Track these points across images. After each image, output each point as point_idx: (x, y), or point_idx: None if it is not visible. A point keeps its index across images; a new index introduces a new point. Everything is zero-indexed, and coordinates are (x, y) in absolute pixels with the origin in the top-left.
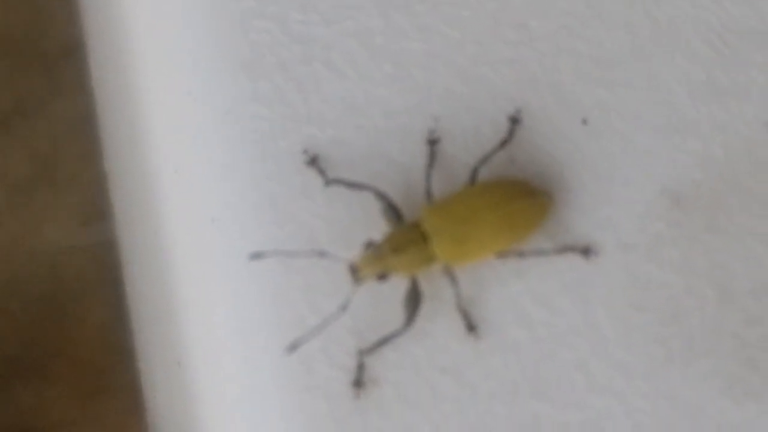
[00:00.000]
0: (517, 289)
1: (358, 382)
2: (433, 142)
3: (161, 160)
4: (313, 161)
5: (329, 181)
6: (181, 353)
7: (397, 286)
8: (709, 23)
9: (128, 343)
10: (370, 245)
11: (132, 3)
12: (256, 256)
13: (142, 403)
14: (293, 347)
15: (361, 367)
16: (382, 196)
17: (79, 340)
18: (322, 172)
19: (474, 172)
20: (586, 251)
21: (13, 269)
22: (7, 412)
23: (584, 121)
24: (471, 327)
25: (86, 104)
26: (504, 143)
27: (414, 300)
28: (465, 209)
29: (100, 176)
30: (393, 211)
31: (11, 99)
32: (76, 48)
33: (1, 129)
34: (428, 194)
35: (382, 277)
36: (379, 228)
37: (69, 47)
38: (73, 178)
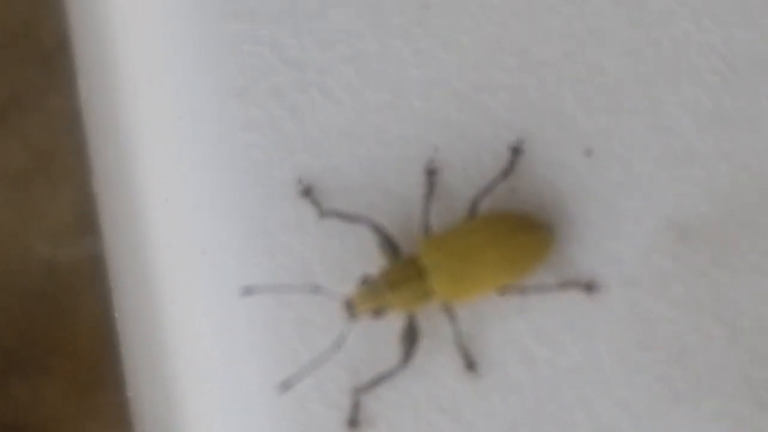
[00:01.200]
0: (518, 325)
1: (354, 422)
2: (431, 173)
3: (151, 188)
4: (308, 192)
5: (324, 213)
6: (171, 384)
7: (394, 322)
8: (715, 48)
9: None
10: (365, 280)
11: (122, 27)
12: (248, 290)
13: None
14: (286, 386)
15: (356, 406)
16: (378, 229)
17: (75, 335)
18: (316, 203)
19: (474, 205)
20: (589, 287)
21: (8, 263)
22: (2, 406)
23: (587, 151)
24: (470, 365)
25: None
26: (505, 174)
27: (411, 337)
28: (464, 244)
29: (96, 170)
30: (389, 245)
31: (8, 92)
32: (73, 42)
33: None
34: (426, 227)
35: (378, 313)
36: (375, 262)
37: (66, 40)
38: (69, 171)
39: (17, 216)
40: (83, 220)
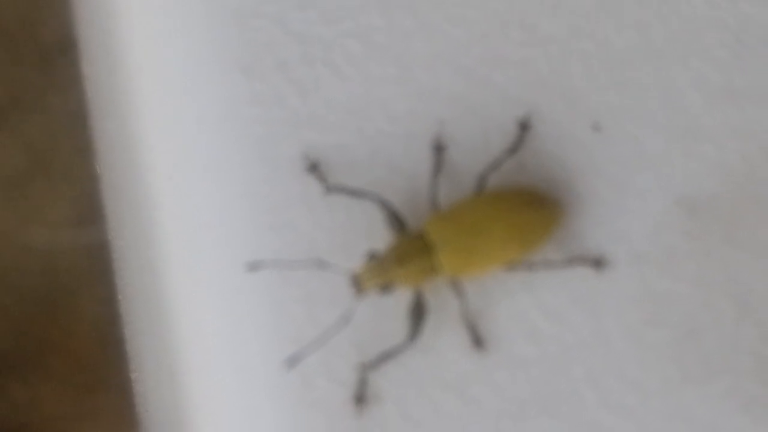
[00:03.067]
0: (526, 302)
1: (360, 398)
2: (439, 148)
3: (155, 164)
4: (314, 167)
5: (330, 189)
6: (174, 361)
7: (401, 298)
8: (725, 24)
9: (123, 338)
10: (372, 256)
11: (126, 5)
12: (253, 266)
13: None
14: (292, 362)
15: (362, 382)
16: (385, 205)
17: (73, 335)
18: (322, 178)
19: (481, 180)
20: (597, 263)
21: (6, 263)
22: (1, 406)
23: (595, 127)
24: (478, 341)
25: (82, 98)
26: (513, 150)
27: (419, 313)
28: (472, 219)
29: (95, 172)
30: (397, 220)
31: (7, 92)
32: (73, 42)
33: None
34: (434, 203)
35: (386, 289)
36: (382, 238)
37: (66, 41)
38: (68, 172)
39: (15, 216)
40: (82, 219)
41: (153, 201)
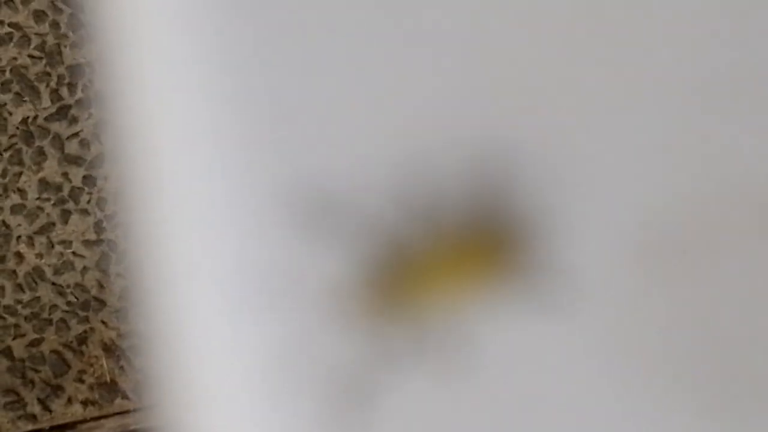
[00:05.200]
0: (498, 331)
1: (354, 395)
2: (408, 185)
3: (148, 173)
4: (306, 202)
5: (312, 223)
6: (167, 352)
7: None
8: (680, 65)
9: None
10: (352, 282)
11: (124, 43)
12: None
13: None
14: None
15: (351, 398)
16: (373, 236)
17: (87, 350)
18: (307, 213)
19: (440, 216)
20: (554, 295)
21: (21, 279)
22: (18, 413)
23: (551, 162)
24: (452, 363)
25: (94, 125)
26: (468, 183)
27: (404, 336)
28: (438, 254)
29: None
30: (375, 251)
31: (19, 122)
32: (84, 69)
33: (13, 153)
34: (419, 235)
35: (376, 310)
36: (361, 268)
37: (76, 69)
38: (79, 198)
39: (30, 244)
40: (95, 241)
41: (149, 207)
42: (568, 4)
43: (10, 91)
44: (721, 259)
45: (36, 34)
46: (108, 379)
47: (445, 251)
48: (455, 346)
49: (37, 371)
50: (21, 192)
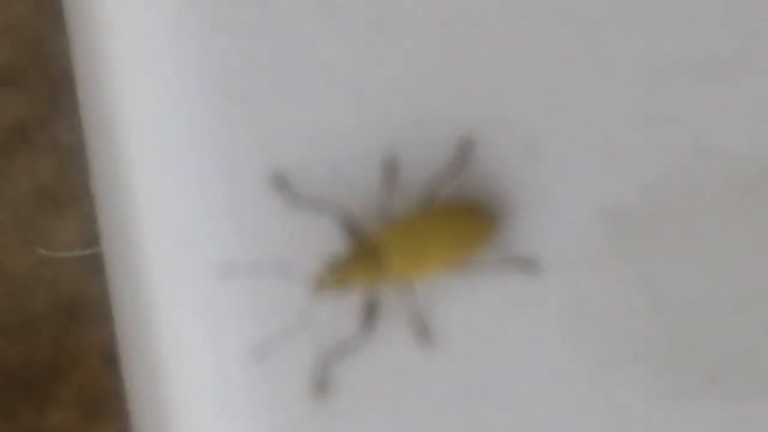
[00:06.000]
0: (466, 302)
1: (321, 388)
2: (389, 168)
3: (138, 181)
4: (282, 182)
5: (297, 202)
6: (156, 360)
7: (357, 298)
8: (642, 55)
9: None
10: (330, 259)
11: (111, 30)
12: (223, 271)
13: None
14: (258, 357)
15: (323, 371)
16: (343, 216)
17: (79, 358)
18: (290, 193)
19: (428, 195)
20: (528, 266)
21: (15, 287)
22: (7, 429)
23: (527, 147)
24: (423, 336)
25: (90, 126)
26: (455, 168)
27: (371, 311)
28: (418, 228)
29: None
30: (353, 230)
31: (12, 122)
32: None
33: (3, 153)
34: (385, 215)
35: (341, 288)
36: (340, 245)
37: (70, 69)
38: (74, 198)
39: (23, 242)
40: (88, 244)
41: (138, 216)
42: None
43: (3, 89)
44: (689, 240)
45: (32, 30)
46: (102, 387)
47: (416, 225)
48: (425, 317)
49: (29, 378)
50: (14, 193)
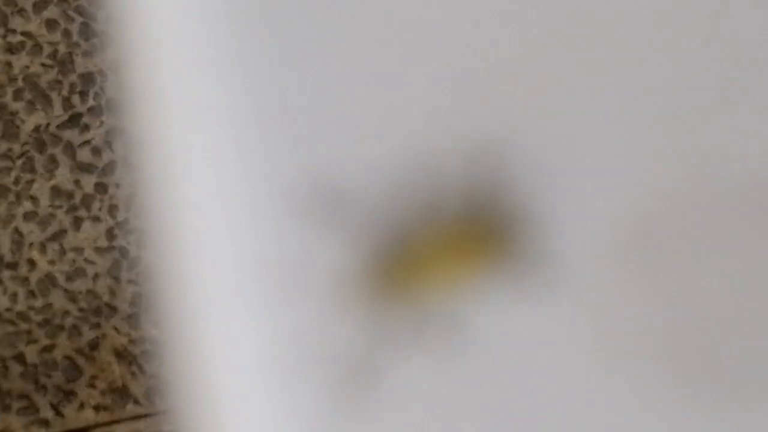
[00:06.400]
0: (492, 316)
1: (351, 395)
2: (409, 178)
3: (158, 179)
4: (310, 194)
5: (326, 214)
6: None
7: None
8: (665, 59)
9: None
10: (363, 269)
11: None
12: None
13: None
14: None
15: (354, 381)
16: (373, 225)
17: (97, 354)
18: (317, 203)
19: (437, 207)
20: (548, 279)
21: (36, 296)
22: (30, 418)
23: (542, 155)
24: (452, 346)
25: (105, 132)
26: (465, 179)
27: (404, 321)
28: (447, 237)
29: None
30: (384, 238)
31: (31, 130)
32: (95, 78)
33: (25, 161)
34: (417, 224)
35: (377, 297)
36: (370, 254)
37: (88, 77)
38: (91, 205)
39: (42, 251)
40: (107, 250)
41: (160, 212)
42: (562, 4)
43: (22, 99)
44: (704, 249)
45: (48, 42)
46: (120, 385)
47: (444, 240)
48: (453, 329)
49: (49, 377)
50: (33, 199)
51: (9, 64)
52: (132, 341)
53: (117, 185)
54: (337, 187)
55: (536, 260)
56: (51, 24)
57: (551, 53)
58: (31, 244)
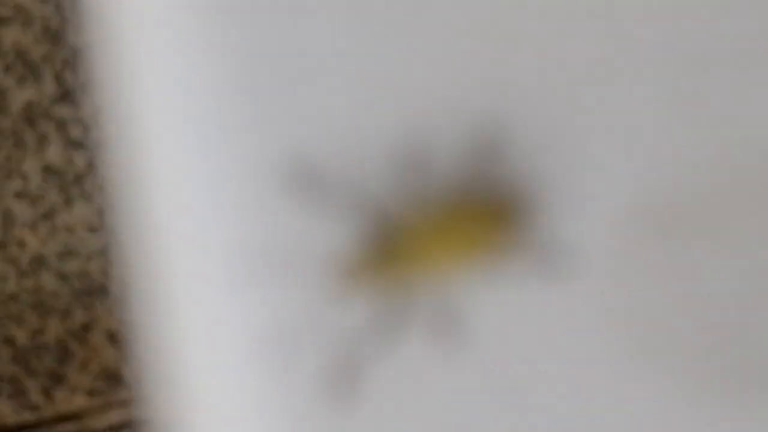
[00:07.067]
0: (492, 303)
1: (344, 389)
2: (415, 158)
3: (148, 164)
4: (298, 176)
5: (312, 198)
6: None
7: (382, 295)
8: (677, 43)
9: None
10: (355, 253)
11: (125, 18)
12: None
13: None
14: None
15: (345, 370)
16: (369, 205)
17: (90, 337)
18: (307, 187)
19: (451, 186)
20: (557, 265)
21: (27, 276)
22: (20, 402)
23: (557, 138)
24: (450, 334)
25: (97, 109)
26: (479, 160)
27: (397, 308)
28: (445, 220)
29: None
30: (381, 219)
31: (22, 106)
32: (87, 53)
33: (15, 139)
34: (412, 204)
35: (370, 282)
36: (368, 235)
37: (78, 53)
38: (82, 185)
39: (33, 230)
40: (97, 230)
41: (148, 201)
42: None
43: (13, 74)
44: (727, 233)
45: (40, 16)
46: (112, 369)
47: (439, 220)
48: (449, 316)
49: (40, 360)
50: (23, 177)
51: None
52: (125, 324)
53: (110, 163)
54: (326, 166)
55: (542, 244)
56: None
57: (562, 22)
58: (21, 223)
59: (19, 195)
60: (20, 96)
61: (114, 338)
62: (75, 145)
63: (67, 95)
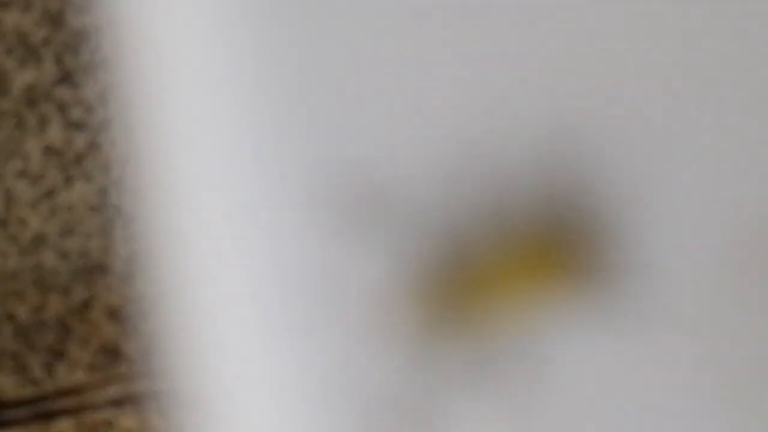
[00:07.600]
0: (564, 348)
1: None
2: (468, 176)
3: (164, 170)
4: (362, 201)
5: (361, 216)
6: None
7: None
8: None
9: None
10: (410, 289)
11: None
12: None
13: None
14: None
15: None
16: (420, 232)
17: (90, 313)
18: (353, 205)
19: (506, 208)
20: (638, 307)
21: (28, 254)
22: (21, 378)
23: (633, 151)
24: (522, 385)
25: (98, 91)
26: (539, 179)
27: (463, 350)
28: (507, 247)
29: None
30: (433, 256)
31: (23, 87)
32: (88, 35)
33: (16, 120)
34: (470, 240)
35: (427, 320)
36: (420, 268)
37: (80, 35)
38: (83, 165)
39: (33, 209)
40: (100, 210)
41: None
42: None
43: (13, 56)
44: None
45: None
46: (111, 344)
47: (512, 254)
48: (523, 366)
49: (40, 336)
50: (24, 158)
51: None
52: (125, 301)
53: (110, 143)
54: (380, 187)
55: (626, 279)
56: None
57: (650, 42)
58: (22, 203)
59: (20, 175)
60: (21, 78)
61: (113, 315)
62: (75, 126)
63: (67, 77)
